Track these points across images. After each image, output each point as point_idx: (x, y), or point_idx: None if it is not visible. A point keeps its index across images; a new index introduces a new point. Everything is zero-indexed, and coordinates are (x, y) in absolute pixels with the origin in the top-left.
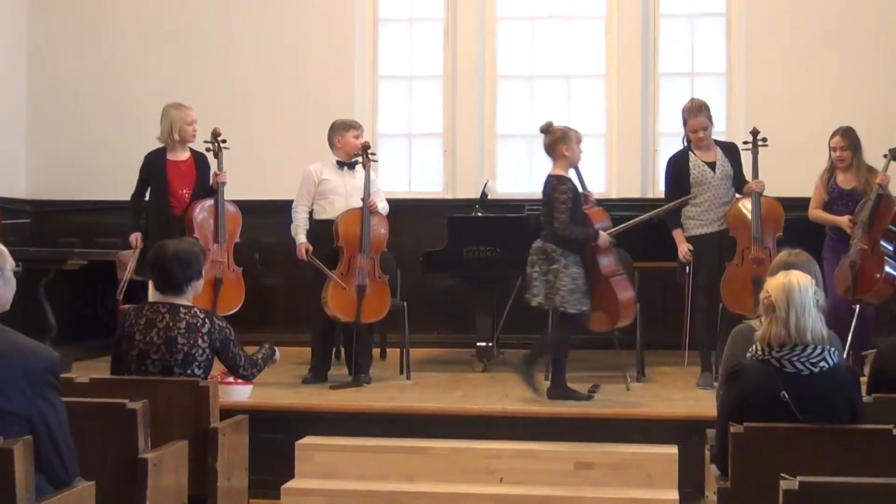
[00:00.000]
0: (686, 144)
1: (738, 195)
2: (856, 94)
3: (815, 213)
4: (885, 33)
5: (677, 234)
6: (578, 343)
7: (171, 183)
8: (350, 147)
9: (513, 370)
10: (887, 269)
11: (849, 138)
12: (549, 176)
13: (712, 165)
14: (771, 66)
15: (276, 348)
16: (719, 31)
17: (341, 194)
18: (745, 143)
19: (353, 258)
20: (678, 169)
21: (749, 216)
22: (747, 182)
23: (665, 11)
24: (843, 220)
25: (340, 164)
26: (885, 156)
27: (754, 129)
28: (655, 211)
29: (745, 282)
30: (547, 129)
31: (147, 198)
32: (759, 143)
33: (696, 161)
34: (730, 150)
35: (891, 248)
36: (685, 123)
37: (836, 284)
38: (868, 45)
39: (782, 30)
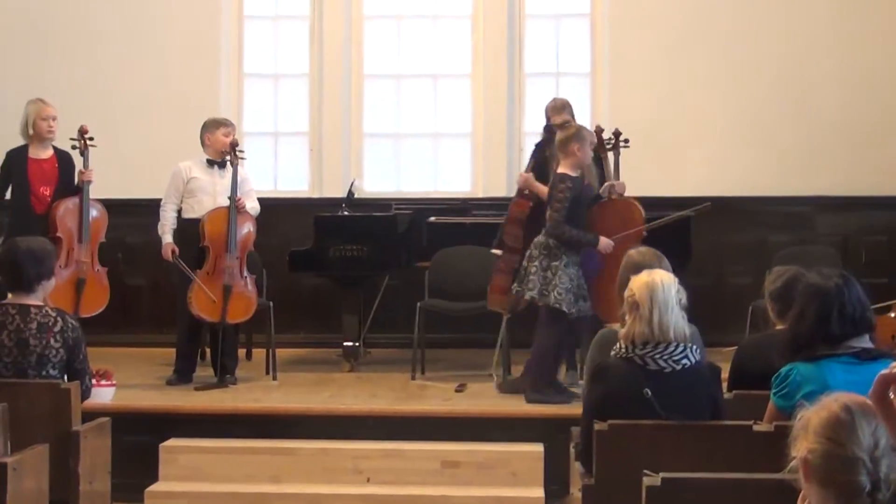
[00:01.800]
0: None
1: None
2: (718, 94)
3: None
4: (745, 33)
5: None
6: (444, 342)
7: (32, 181)
8: (219, 145)
9: (511, 391)
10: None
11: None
12: (556, 173)
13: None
14: (635, 66)
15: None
16: (584, 32)
17: (210, 193)
18: (608, 141)
19: (219, 257)
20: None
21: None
22: (610, 183)
23: (531, 12)
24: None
25: (210, 163)
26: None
27: (616, 129)
28: (682, 213)
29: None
30: (563, 125)
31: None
32: (621, 144)
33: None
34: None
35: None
36: (547, 121)
37: None
38: (729, 44)
39: (646, 31)
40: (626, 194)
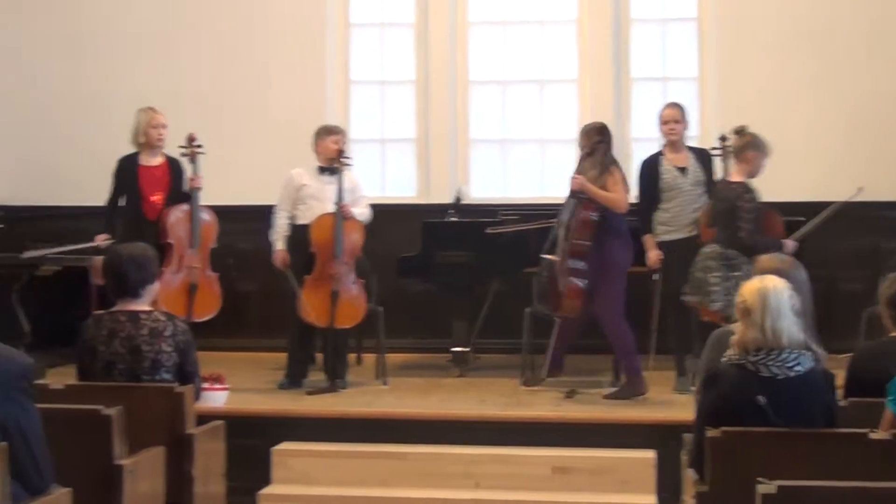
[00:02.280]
0: (660, 149)
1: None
2: (829, 95)
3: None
4: (857, 34)
5: (648, 240)
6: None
7: (144, 188)
8: (328, 152)
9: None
10: (572, 279)
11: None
12: (730, 182)
13: (683, 171)
14: (743, 69)
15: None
16: (691, 36)
17: (320, 199)
18: (715, 148)
19: (326, 263)
20: (649, 173)
21: None
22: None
23: (636, 16)
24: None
25: (321, 170)
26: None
27: (723, 135)
28: (829, 210)
29: None
30: (742, 131)
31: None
32: (728, 148)
33: (667, 166)
34: (702, 155)
35: (581, 265)
36: (659, 119)
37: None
38: (840, 46)
39: (754, 33)
40: None
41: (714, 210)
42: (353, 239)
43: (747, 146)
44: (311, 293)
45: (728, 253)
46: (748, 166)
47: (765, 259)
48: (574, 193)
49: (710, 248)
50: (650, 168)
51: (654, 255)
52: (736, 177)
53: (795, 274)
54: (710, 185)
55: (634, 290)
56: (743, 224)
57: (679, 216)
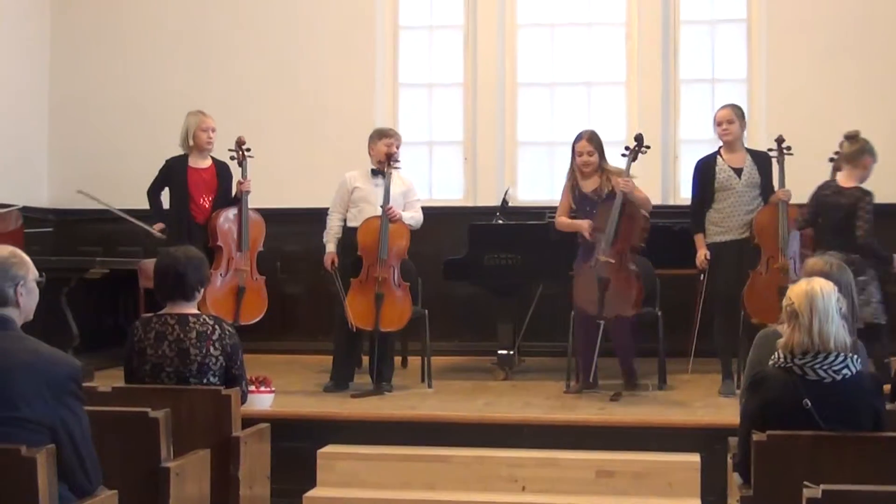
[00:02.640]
0: (717, 150)
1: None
2: (878, 98)
3: (561, 220)
4: None
5: (699, 239)
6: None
7: (192, 190)
8: (380, 155)
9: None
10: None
11: (594, 143)
12: (844, 187)
13: (738, 171)
14: (792, 71)
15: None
16: (740, 38)
17: (372, 202)
18: (770, 150)
19: (371, 266)
20: (704, 172)
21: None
22: (774, 192)
23: (685, 18)
24: (583, 225)
25: (375, 172)
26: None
27: (780, 136)
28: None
29: (769, 291)
30: (854, 137)
31: (168, 204)
32: (784, 151)
33: (722, 165)
34: (761, 158)
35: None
36: (714, 120)
37: (578, 298)
38: (889, 49)
39: (803, 35)
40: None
41: (829, 217)
42: (399, 243)
43: (863, 152)
44: (356, 296)
45: (851, 258)
46: (863, 171)
47: (812, 261)
48: (625, 195)
49: (840, 257)
50: (705, 168)
51: (701, 255)
52: (848, 182)
53: (842, 276)
54: (768, 188)
55: (681, 292)
56: (861, 224)
57: (730, 217)
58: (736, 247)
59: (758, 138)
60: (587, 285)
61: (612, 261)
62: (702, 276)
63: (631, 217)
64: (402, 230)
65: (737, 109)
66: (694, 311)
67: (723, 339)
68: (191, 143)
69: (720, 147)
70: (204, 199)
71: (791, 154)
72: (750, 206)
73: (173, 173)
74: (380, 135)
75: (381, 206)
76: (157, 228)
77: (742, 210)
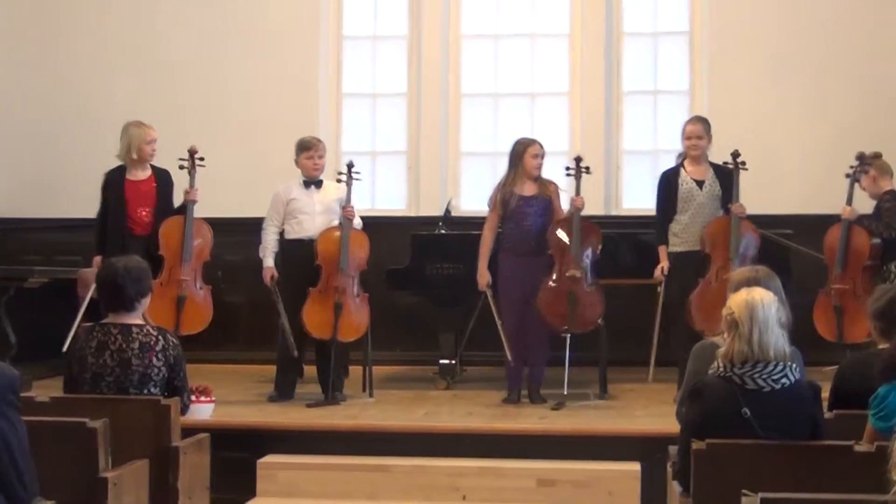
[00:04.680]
0: (680, 161)
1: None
2: (818, 111)
3: (483, 248)
4: (846, 52)
5: (662, 251)
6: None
7: (129, 203)
8: (305, 169)
9: None
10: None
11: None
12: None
13: (700, 184)
14: (734, 84)
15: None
16: (682, 50)
17: (309, 213)
18: (726, 163)
19: (331, 276)
20: (668, 184)
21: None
22: (730, 206)
23: (628, 30)
24: (480, 279)
25: (307, 184)
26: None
27: (735, 151)
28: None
29: (718, 301)
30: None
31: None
32: (740, 165)
33: (685, 177)
34: (722, 172)
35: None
36: (682, 133)
37: (546, 314)
38: (830, 63)
39: (745, 48)
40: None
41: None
42: (360, 254)
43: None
44: (314, 305)
45: None
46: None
47: (738, 271)
48: (578, 210)
49: None
50: (668, 180)
51: (659, 268)
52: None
53: (770, 283)
54: (728, 201)
55: (623, 301)
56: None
57: (691, 228)
58: (695, 257)
59: None
60: (555, 300)
61: (578, 274)
62: (658, 287)
63: (589, 231)
64: (363, 241)
65: (706, 125)
66: (637, 320)
67: (680, 347)
68: (134, 156)
69: (683, 160)
70: (142, 211)
71: (746, 169)
72: (710, 218)
73: (111, 187)
74: (299, 149)
75: (342, 207)
76: (96, 264)
77: (703, 221)
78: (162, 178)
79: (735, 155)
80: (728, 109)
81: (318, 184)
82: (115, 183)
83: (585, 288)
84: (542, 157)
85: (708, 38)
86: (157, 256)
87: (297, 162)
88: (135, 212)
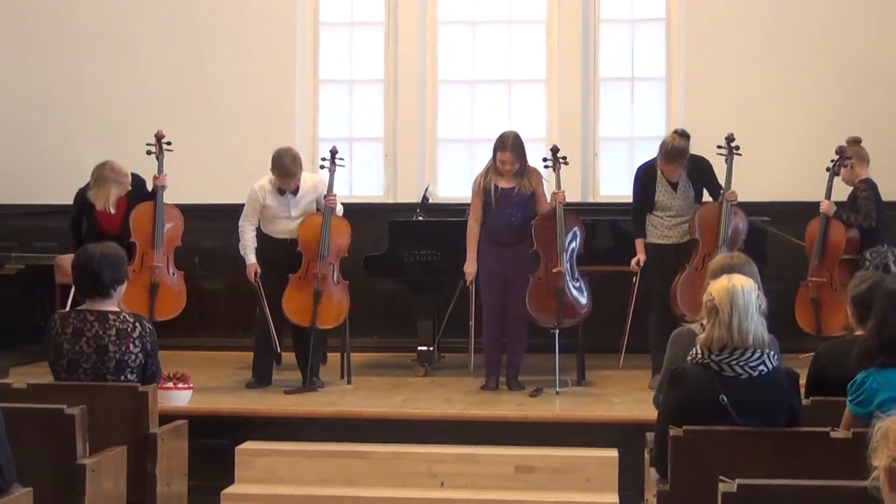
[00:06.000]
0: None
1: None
2: (796, 98)
3: (470, 238)
4: (822, 38)
5: (639, 244)
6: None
7: (102, 224)
8: (283, 185)
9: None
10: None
11: (516, 152)
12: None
13: (675, 186)
14: (710, 70)
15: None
16: (659, 37)
17: (285, 217)
18: (720, 147)
19: (311, 262)
20: (644, 179)
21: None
22: (721, 189)
23: (605, 16)
24: (468, 268)
25: (281, 191)
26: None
27: (730, 135)
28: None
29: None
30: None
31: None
32: (734, 150)
33: (661, 179)
34: (694, 165)
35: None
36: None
37: (535, 311)
38: (806, 49)
39: (722, 35)
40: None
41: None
42: (340, 241)
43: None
44: (294, 292)
45: None
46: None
47: (716, 258)
48: (561, 204)
49: None
50: (646, 175)
51: (635, 260)
52: None
53: (746, 269)
54: (712, 186)
55: (606, 291)
56: None
57: (670, 227)
58: (674, 249)
59: None
60: (544, 296)
61: (564, 270)
62: (634, 278)
63: (573, 224)
64: (344, 228)
65: (687, 141)
66: (615, 308)
67: (657, 336)
68: (112, 210)
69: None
70: (115, 225)
71: (740, 154)
72: (687, 215)
73: (84, 210)
74: (277, 170)
75: (324, 196)
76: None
77: (680, 220)
78: (135, 187)
79: (729, 139)
80: (704, 96)
81: (295, 191)
82: (87, 210)
83: (572, 282)
84: (512, 162)
85: (684, 25)
86: (128, 243)
87: (272, 171)
88: (109, 231)
